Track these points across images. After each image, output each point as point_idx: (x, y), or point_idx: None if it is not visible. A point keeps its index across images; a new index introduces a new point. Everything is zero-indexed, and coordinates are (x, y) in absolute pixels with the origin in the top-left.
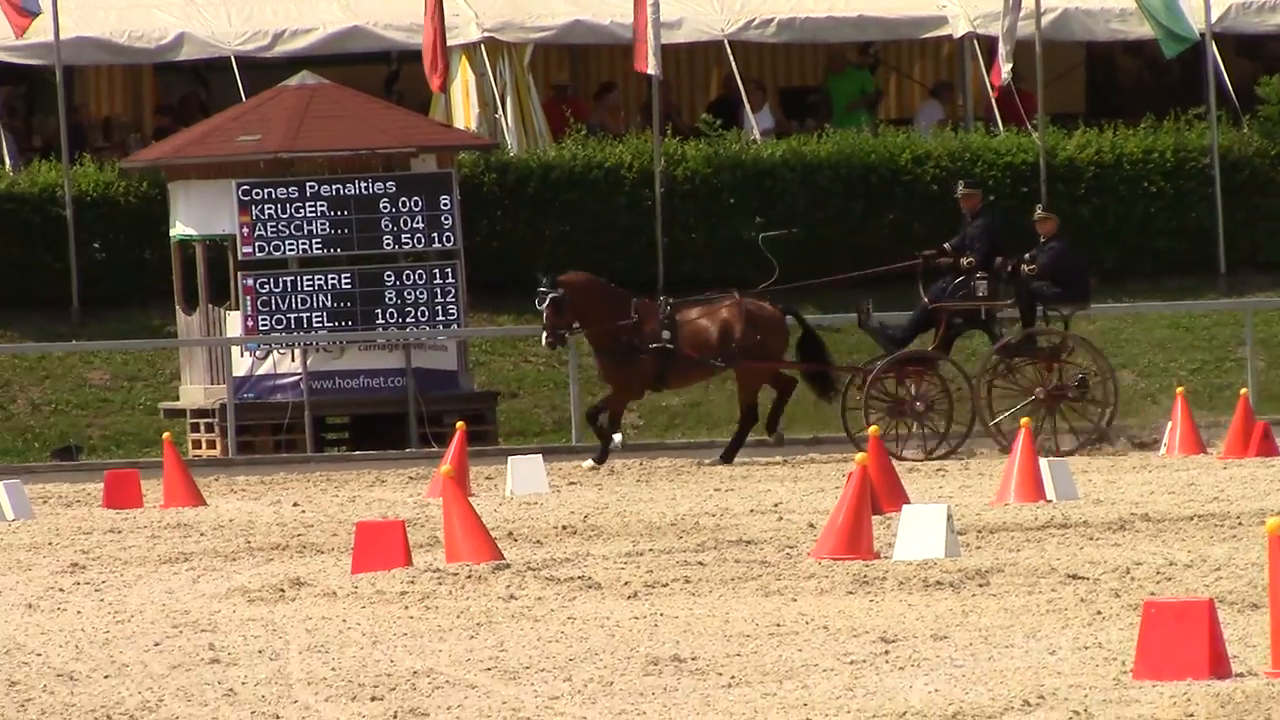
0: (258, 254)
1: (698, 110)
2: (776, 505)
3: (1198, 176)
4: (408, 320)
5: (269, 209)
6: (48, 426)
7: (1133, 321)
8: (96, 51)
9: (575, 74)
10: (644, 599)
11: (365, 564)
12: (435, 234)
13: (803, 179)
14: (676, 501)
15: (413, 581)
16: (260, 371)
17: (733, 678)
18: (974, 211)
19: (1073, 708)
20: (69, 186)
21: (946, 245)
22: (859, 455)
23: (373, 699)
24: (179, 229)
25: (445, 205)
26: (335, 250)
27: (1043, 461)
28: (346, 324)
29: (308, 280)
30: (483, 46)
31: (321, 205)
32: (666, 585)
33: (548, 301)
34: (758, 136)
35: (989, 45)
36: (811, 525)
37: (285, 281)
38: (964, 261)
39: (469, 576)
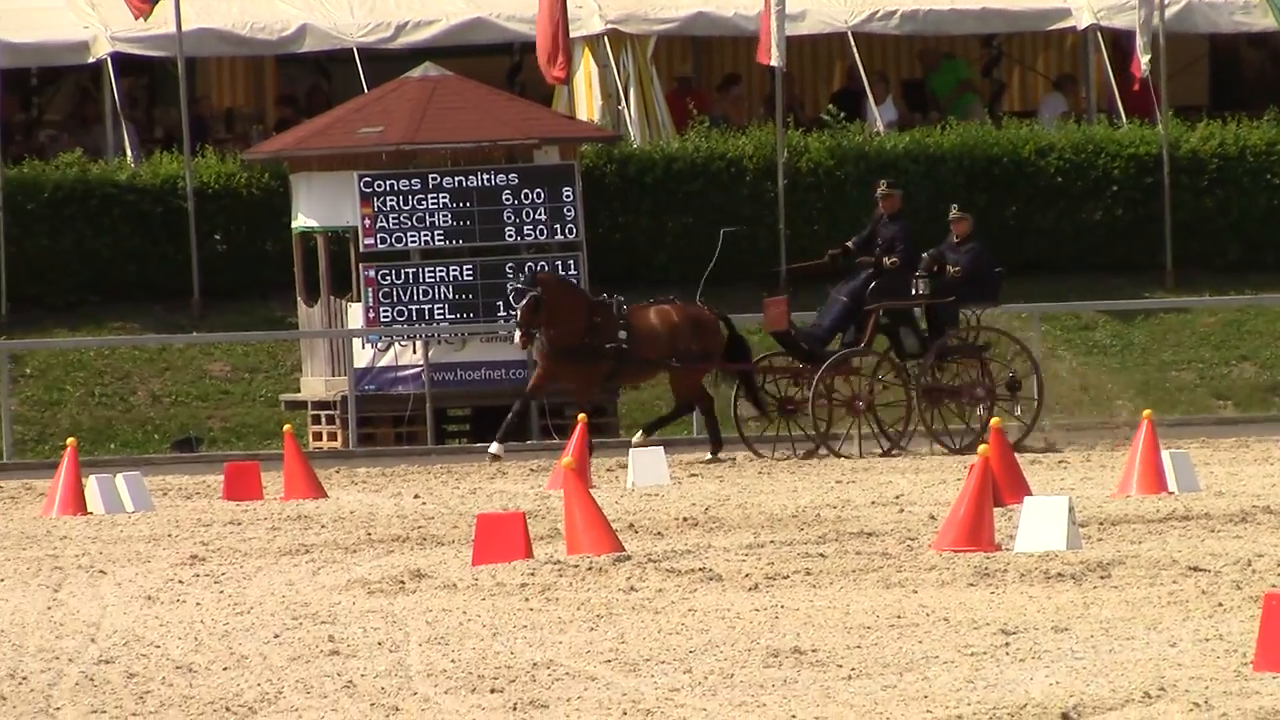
0: (379, 246)
1: (821, 102)
2: (898, 497)
3: None
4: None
5: (391, 201)
6: (168, 418)
7: (1255, 314)
8: (218, 43)
9: (698, 66)
10: (765, 591)
11: (486, 556)
12: (557, 226)
13: (926, 171)
14: (798, 493)
15: (533, 573)
16: (381, 363)
17: (853, 670)
18: (893, 212)
19: (1193, 699)
20: (190, 178)
21: (849, 244)
22: (982, 447)
23: (492, 691)
24: (300, 221)
25: (567, 197)
26: (457, 242)
27: (1165, 454)
28: (468, 316)
29: (429, 272)
30: (606, 38)
31: (443, 197)
32: (787, 577)
33: (527, 300)
34: (880, 128)
35: (1112, 37)
36: (932, 517)
37: (407, 273)
38: (888, 261)
39: (589, 568)
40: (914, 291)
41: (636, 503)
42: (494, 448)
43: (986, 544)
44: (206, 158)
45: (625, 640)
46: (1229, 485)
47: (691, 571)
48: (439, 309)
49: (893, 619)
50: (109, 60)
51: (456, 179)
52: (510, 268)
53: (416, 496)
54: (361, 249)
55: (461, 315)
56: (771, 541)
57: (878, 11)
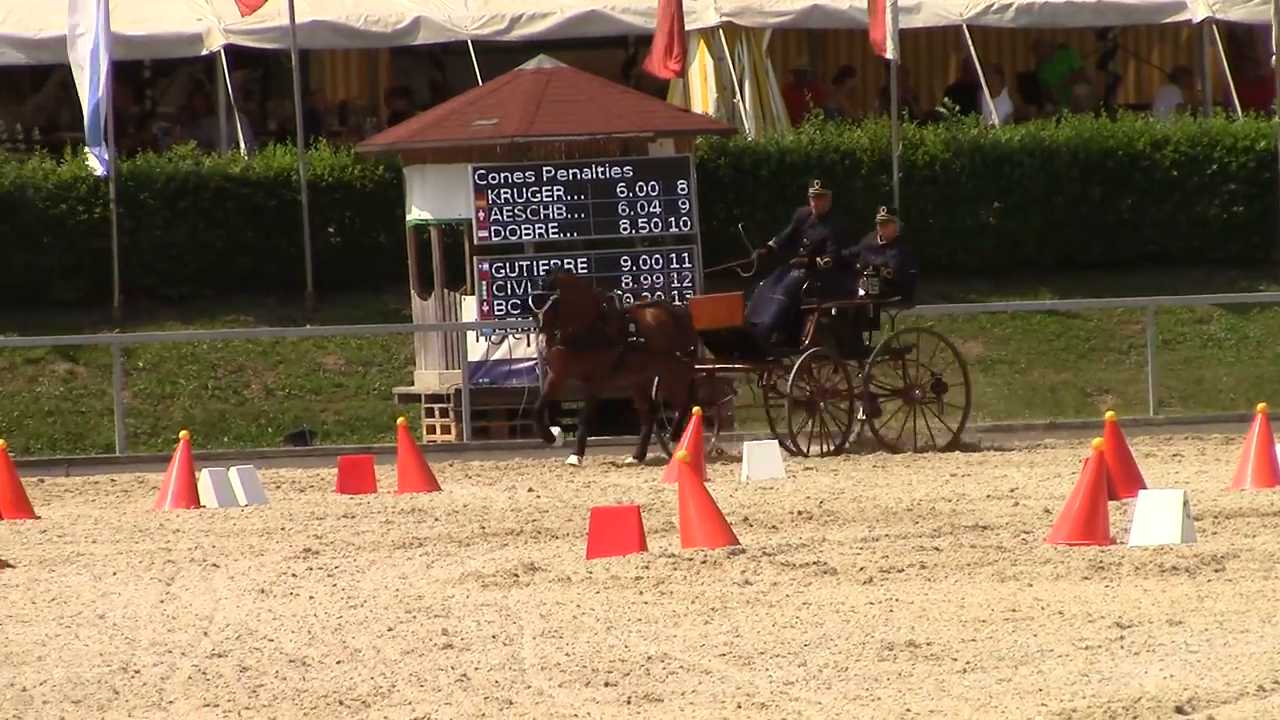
0: (494, 239)
1: (936, 95)
2: (1013, 490)
3: None
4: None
5: (505, 193)
6: (281, 411)
7: None
8: (332, 36)
9: (813, 58)
10: (879, 584)
11: (600, 549)
12: (672, 219)
13: (1041, 164)
14: (913, 487)
15: (647, 567)
16: (495, 356)
17: (968, 663)
18: (823, 213)
19: None
20: (304, 170)
21: (772, 243)
22: (1096, 441)
23: (606, 684)
24: (415, 213)
25: (682, 190)
26: (571, 235)
27: (1279, 447)
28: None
29: (544, 264)
30: (721, 31)
31: (558, 190)
32: (902, 570)
33: (549, 305)
34: (996, 121)
35: (1227, 30)
36: (1047, 510)
37: (521, 266)
38: (821, 261)
39: (704, 562)
40: (862, 292)
41: (751, 496)
42: (571, 458)
43: (1101, 538)
44: (320, 150)
45: (739, 634)
46: None
47: (806, 565)
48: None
49: (1007, 612)
50: (222, 53)
51: (571, 172)
52: (625, 261)
53: (531, 490)
54: (476, 242)
55: None
56: (886, 535)
57: (993, 4)
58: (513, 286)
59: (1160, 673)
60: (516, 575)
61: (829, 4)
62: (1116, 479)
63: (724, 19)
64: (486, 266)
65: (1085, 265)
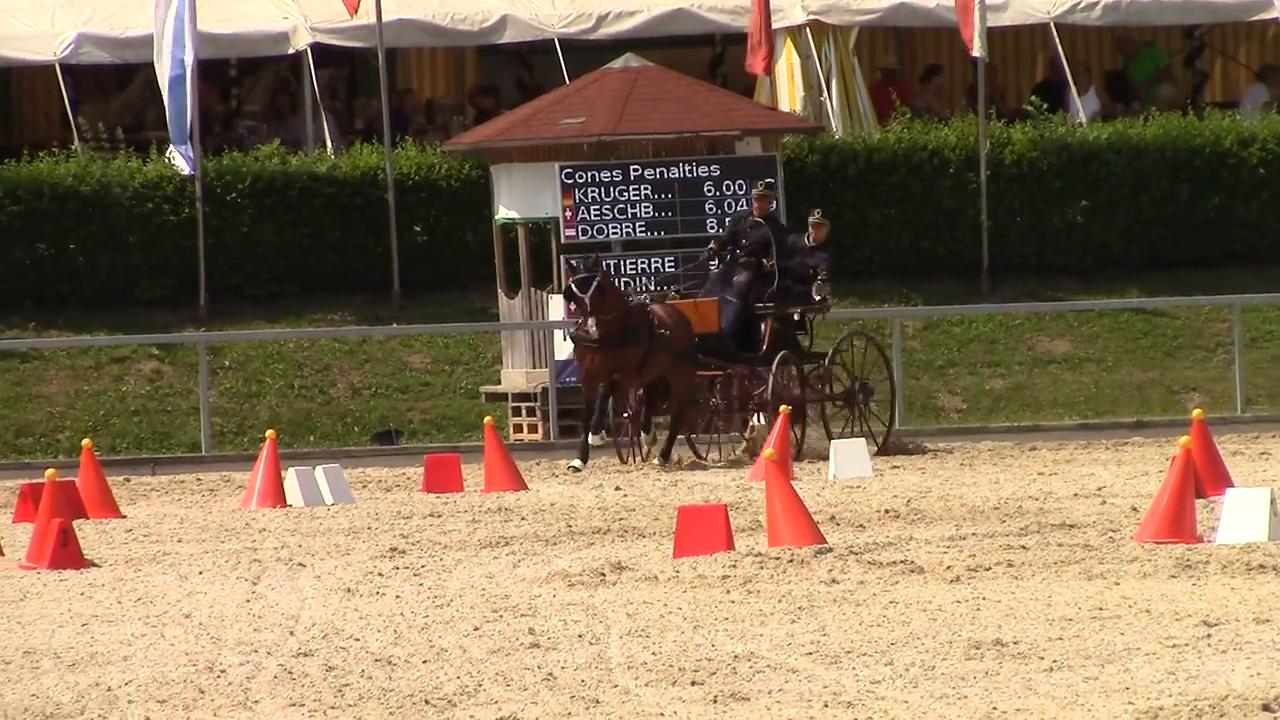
0: (580, 237)
1: (1023, 93)
2: (1100, 489)
3: None
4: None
5: (592, 192)
6: (368, 410)
7: None
8: (419, 34)
9: (900, 56)
10: (966, 583)
11: (687, 548)
12: None
13: (1128, 162)
14: (999, 485)
15: (734, 565)
16: None
17: (1054, 662)
18: (764, 213)
19: None
20: (390, 169)
21: (713, 245)
22: (1183, 439)
23: (693, 683)
24: (502, 212)
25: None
26: (658, 233)
27: None
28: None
29: (630, 263)
30: (808, 29)
31: (645, 188)
32: (989, 569)
33: (594, 288)
34: (1083, 119)
35: None
36: (1134, 509)
37: (608, 264)
38: (767, 264)
39: (791, 560)
40: (818, 297)
41: (838, 495)
42: (576, 461)
43: (1188, 536)
44: (406, 149)
45: (826, 632)
46: None
47: (893, 564)
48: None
49: (1094, 611)
50: (308, 51)
51: (658, 170)
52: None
53: (618, 488)
54: (562, 240)
55: None
56: (973, 533)
57: (1080, 2)
58: None
59: (1247, 671)
60: (603, 574)
61: (916, 2)
62: (1204, 477)
63: (811, 17)
64: (574, 265)
65: (1172, 263)
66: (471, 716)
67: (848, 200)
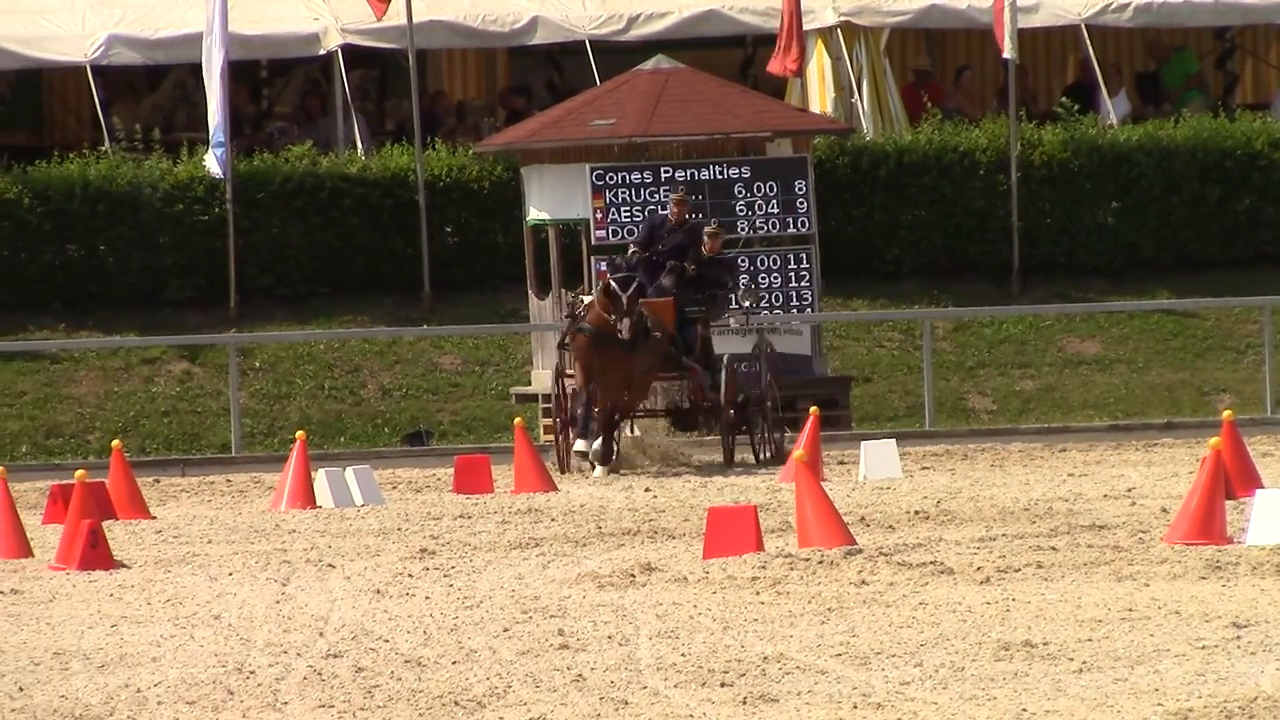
0: (611, 238)
1: (1054, 94)
2: (1130, 490)
3: None
4: (762, 305)
5: (623, 193)
6: (398, 411)
7: None
8: (449, 35)
9: (931, 58)
10: (996, 584)
11: (717, 549)
12: (789, 219)
13: (1158, 164)
14: (1030, 486)
15: (764, 567)
16: None
17: (1084, 663)
18: (681, 219)
19: None
20: (421, 170)
21: (633, 247)
22: (1213, 440)
23: (722, 685)
24: (532, 213)
25: (800, 190)
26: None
27: None
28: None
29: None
30: (839, 30)
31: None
32: (1019, 570)
33: (634, 288)
34: (1114, 121)
35: None
36: (1164, 510)
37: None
38: (689, 268)
39: (820, 562)
40: (748, 303)
41: (868, 496)
42: (594, 464)
43: (1218, 537)
44: (437, 150)
45: (856, 634)
46: None
47: (923, 565)
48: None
49: (1124, 612)
50: (339, 52)
51: (689, 171)
52: (742, 261)
53: (647, 489)
54: (593, 241)
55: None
56: (1003, 535)
57: (1111, 4)
58: None
59: (1277, 672)
60: (633, 575)
61: (947, 3)
62: (1234, 478)
63: (842, 19)
64: (604, 266)
65: (1203, 265)
66: (501, 718)
67: (878, 202)
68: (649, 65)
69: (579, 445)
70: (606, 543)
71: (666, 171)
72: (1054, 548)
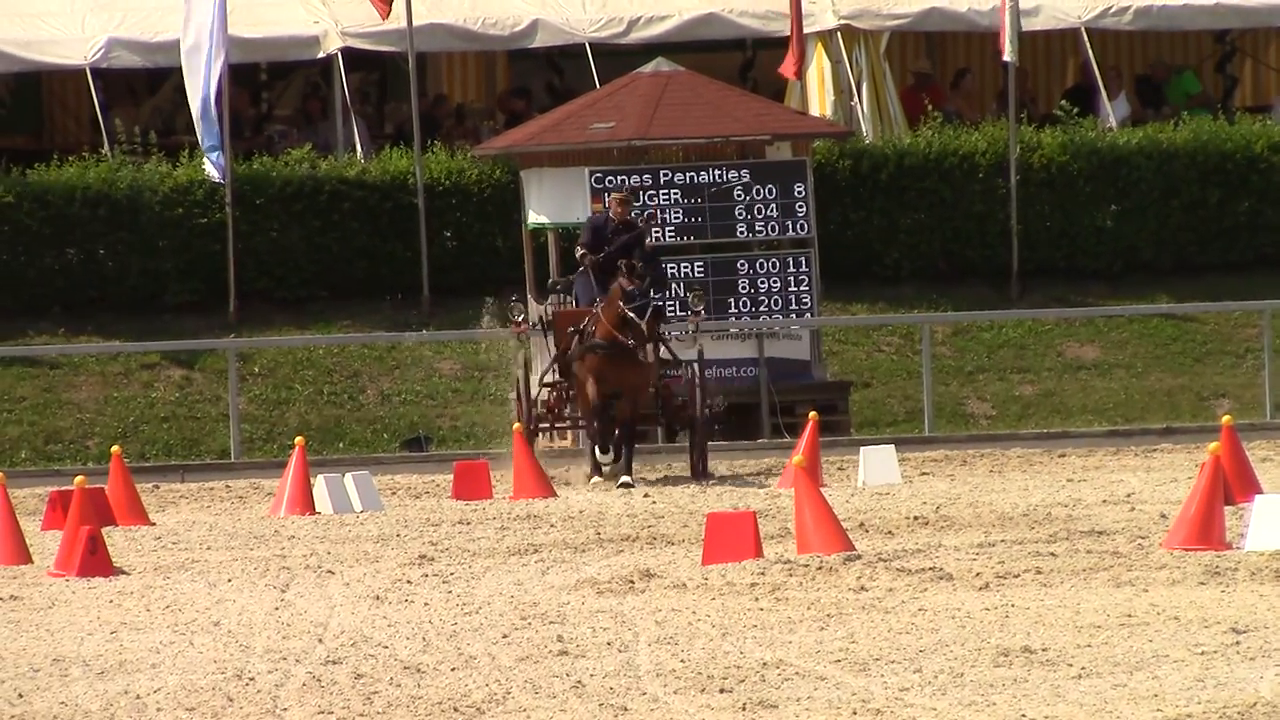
0: None
1: (1053, 97)
2: (1129, 496)
3: None
4: (761, 309)
5: None
6: (397, 417)
7: None
8: (449, 38)
9: (931, 61)
10: (995, 590)
11: (716, 555)
12: (789, 222)
13: (1158, 167)
14: (1029, 492)
15: (763, 573)
16: None
17: (1083, 669)
18: (625, 220)
19: None
20: (420, 174)
21: (583, 250)
22: (1212, 445)
23: (722, 691)
24: (532, 217)
25: (799, 193)
26: (688, 238)
27: None
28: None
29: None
30: (839, 34)
31: (675, 193)
32: (1018, 576)
33: (651, 311)
34: (1113, 124)
35: None
36: (1163, 516)
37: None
38: (638, 267)
39: (819, 568)
40: (701, 309)
41: (867, 502)
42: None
43: (1217, 543)
44: (437, 153)
45: (855, 640)
46: None
47: (922, 571)
48: (670, 305)
49: (1123, 618)
50: (339, 55)
51: (688, 175)
52: (742, 264)
53: (646, 495)
54: None
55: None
56: (1002, 540)
57: (1111, 7)
58: None
59: (1276, 678)
60: (632, 581)
61: (947, 6)
62: (1233, 483)
63: (842, 22)
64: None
65: (1202, 269)
66: None
67: (878, 205)
68: (649, 68)
69: (602, 459)
70: (605, 549)
71: (666, 175)
72: (1053, 553)
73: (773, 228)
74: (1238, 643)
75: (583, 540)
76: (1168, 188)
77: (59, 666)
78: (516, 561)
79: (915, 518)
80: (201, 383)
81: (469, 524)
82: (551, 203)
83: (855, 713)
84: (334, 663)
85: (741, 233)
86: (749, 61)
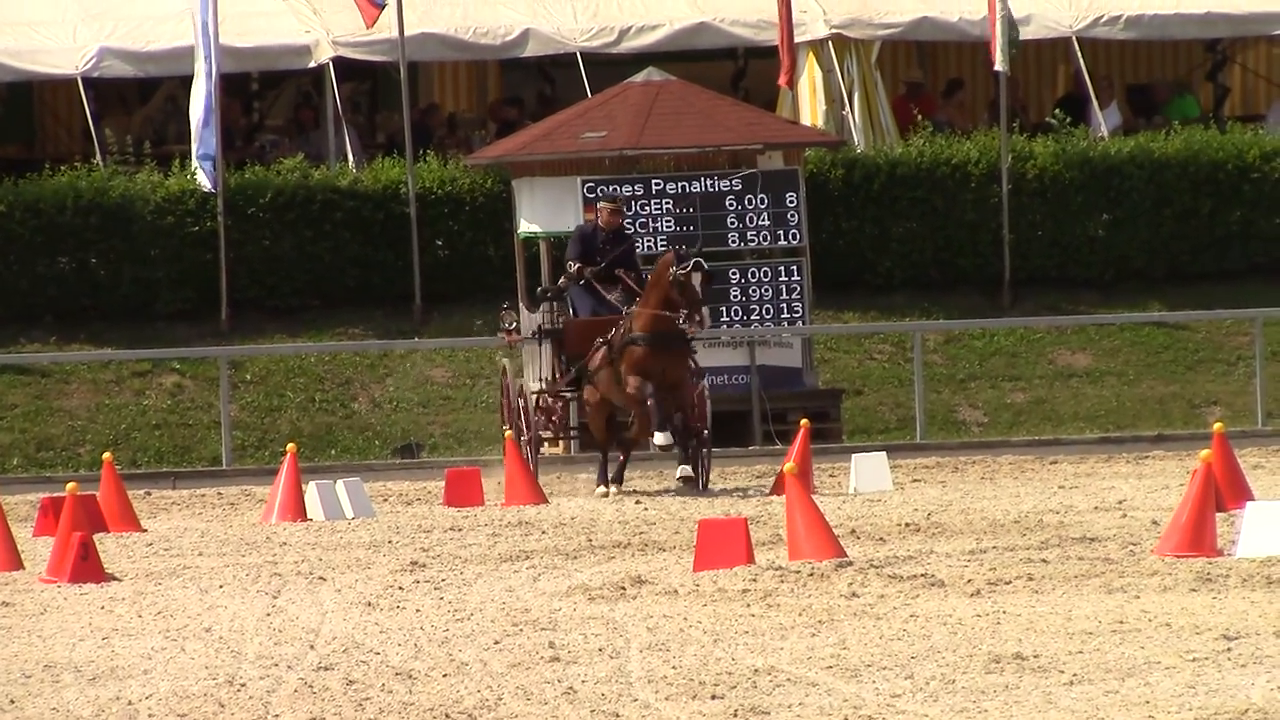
0: None
1: (1045, 107)
2: (1120, 502)
3: None
4: (753, 317)
5: None
6: (389, 424)
7: None
8: (441, 48)
9: (923, 70)
10: (986, 596)
11: (707, 562)
12: (781, 231)
13: (1150, 176)
14: (1020, 499)
15: (755, 579)
16: None
17: (1074, 675)
18: (616, 229)
19: None
20: (412, 183)
21: (575, 263)
22: (1204, 453)
23: (713, 697)
24: (523, 225)
25: (791, 202)
26: (680, 247)
27: None
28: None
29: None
30: (830, 43)
31: (667, 202)
32: (1009, 583)
33: (702, 272)
34: (1105, 133)
35: None
36: (1155, 522)
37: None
38: (631, 278)
39: (811, 574)
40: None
41: (859, 508)
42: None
43: (1209, 549)
44: (428, 162)
45: (846, 646)
46: None
47: (913, 577)
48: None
49: (1114, 624)
50: (330, 65)
51: (680, 184)
52: (734, 274)
53: (638, 502)
54: None
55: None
56: (994, 547)
57: (1102, 16)
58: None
59: (1267, 684)
60: (623, 588)
61: (938, 16)
62: (1224, 490)
63: (833, 31)
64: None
65: (1194, 277)
66: None
67: (870, 214)
68: (640, 78)
69: (661, 439)
70: (597, 555)
71: (658, 184)
72: (1045, 560)
73: (765, 236)
74: (1229, 649)
75: (574, 547)
76: (1159, 197)
77: (51, 672)
78: (508, 568)
79: (907, 524)
80: (193, 390)
81: (460, 530)
82: (543, 211)
83: (847, 719)
84: (326, 669)
85: (733, 242)
86: (740, 71)
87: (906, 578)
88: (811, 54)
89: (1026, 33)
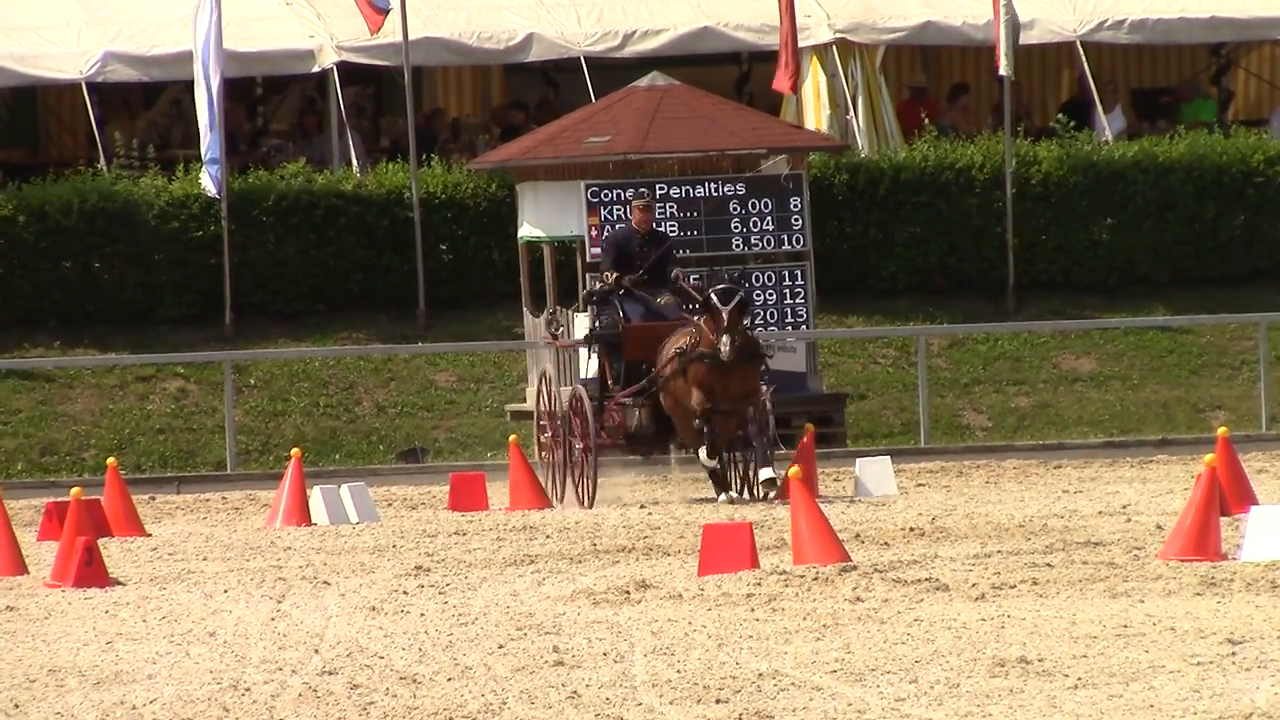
0: None
1: (1049, 111)
2: (1125, 507)
3: None
4: (757, 322)
5: (618, 210)
6: (393, 429)
7: None
8: (444, 52)
9: (927, 74)
10: (991, 601)
11: (712, 566)
12: (785, 235)
13: (1154, 180)
14: (1025, 503)
15: (759, 584)
16: None
17: (1079, 679)
18: (650, 229)
19: None
20: (416, 187)
21: (613, 273)
22: (1208, 457)
23: (718, 701)
24: (527, 230)
25: (795, 207)
26: (684, 252)
27: None
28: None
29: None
30: (834, 47)
31: (671, 207)
32: (1014, 587)
33: (736, 302)
34: (1109, 138)
35: None
36: (1159, 526)
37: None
38: (691, 281)
39: (815, 578)
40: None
41: (863, 513)
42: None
43: (1213, 553)
44: (432, 167)
45: (851, 650)
46: None
47: (918, 581)
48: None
49: (1119, 629)
50: (334, 69)
51: (684, 188)
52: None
53: (642, 507)
54: (588, 258)
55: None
56: (998, 551)
57: (1106, 20)
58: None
59: (1272, 689)
60: (628, 592)
61: (942, 21)
62: (1229, 495)
63: (837, 35)
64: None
65: (1198, 281)
66: None
67: (874, 219)
68: (644, 82)
69: (708, 462)
70: (601, 560)
71: (662, 188)
72: (1049, 564)
73: (768, 241)
74: (1233, 653)
75: (579, 551)
76: (1164, 201)
77: (55, 677)
78: (512, 572)
79: (911, 529)
80: (197, 395)
81: (465, 535)
82: (547, 216)
83: None
84: (330, 673)
85: (737, 246)
86: (744, 75)
87: (911, 582)
88: (815, 58)
89: (1031, 37)
